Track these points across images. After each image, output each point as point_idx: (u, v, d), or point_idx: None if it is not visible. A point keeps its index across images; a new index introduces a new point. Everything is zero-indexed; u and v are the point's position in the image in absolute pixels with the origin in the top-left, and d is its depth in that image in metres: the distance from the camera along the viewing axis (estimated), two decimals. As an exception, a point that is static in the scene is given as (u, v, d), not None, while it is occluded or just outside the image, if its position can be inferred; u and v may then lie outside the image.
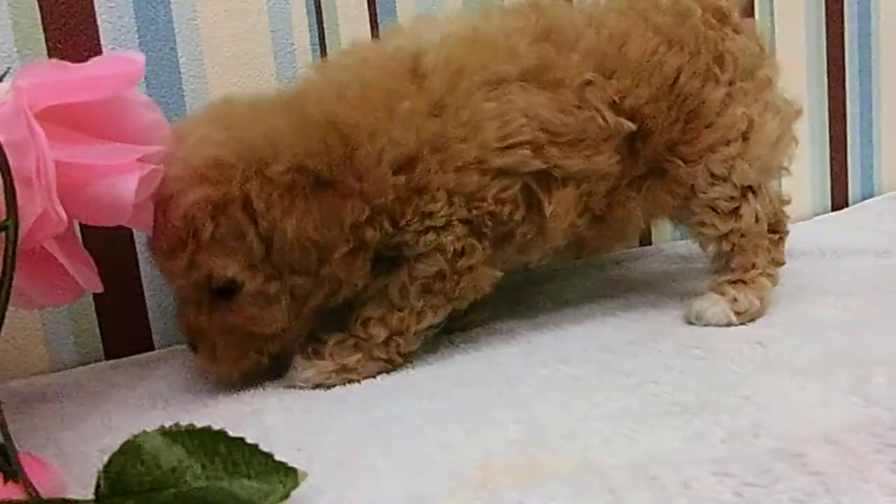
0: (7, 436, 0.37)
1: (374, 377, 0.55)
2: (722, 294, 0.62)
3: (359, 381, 0.54)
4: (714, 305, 0.61)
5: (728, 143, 0.60)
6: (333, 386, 0.54)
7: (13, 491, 0.36)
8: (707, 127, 0.60)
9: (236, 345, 0.52)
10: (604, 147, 0.57)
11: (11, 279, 0.40)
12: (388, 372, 0.56)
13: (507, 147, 0.53)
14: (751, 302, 0.61)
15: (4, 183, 0.42)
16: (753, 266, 0.62)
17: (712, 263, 0.66)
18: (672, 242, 0.89)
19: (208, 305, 0.52)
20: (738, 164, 0.61)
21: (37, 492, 0.36)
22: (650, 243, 0.89)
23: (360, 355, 0.55)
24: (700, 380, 0.50)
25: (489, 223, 0.54)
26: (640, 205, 0.61)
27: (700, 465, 0.37)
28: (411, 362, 0.57)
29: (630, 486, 0.35)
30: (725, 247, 0.63)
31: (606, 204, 0.59)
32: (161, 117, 0.49)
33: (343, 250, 0.51)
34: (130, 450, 0.36)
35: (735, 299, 0.61)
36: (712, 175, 0.61)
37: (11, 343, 0.60)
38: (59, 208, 0.41)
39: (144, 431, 0.37)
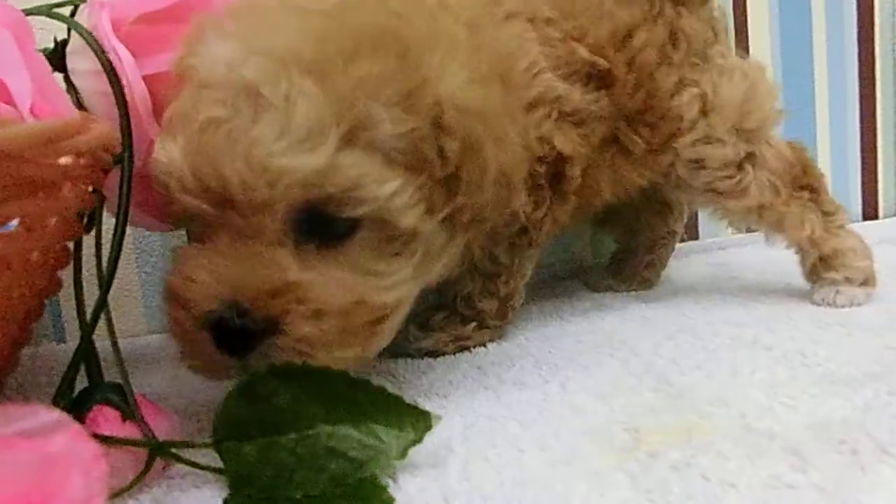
0: (125, 376, 0.35)
1: (485, 346, 0.52)
2: (833, 284, 0.56)
3: (470, 348, 0.51)
4: (839, 295, 0.56)
5: (688, 129, 0.55)
6: (444, 354, 0.51)
7: (130, 431, 0.33)
8: (661, 117, 0.54)
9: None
10: (590, 84, 0.51)
11: (127, 213, 0.39)
12: (499, 337, 0.53)
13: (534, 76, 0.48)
14: (858, 268, 0.56)
15: (120, 114, 0.41)
16: (812, 236, 0.57)
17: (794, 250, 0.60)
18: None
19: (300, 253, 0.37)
20: (711, 142, 0.55)
21: (153, 433, 0.33)
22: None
23: (473, 324, 0.52)
24: (854, 353, 0.45)
25: (539, 170, 0.49)
26: (606, 176, 0.54)
27: (891, 431, 0.32)
28: (525, 335, 0.54)
29: (816, 449, 0.31)
30: (758, 224, 0.58)
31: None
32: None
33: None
34: (244, 392, 0.33)
35: (847, 279, 0.56)
36: (689, 161, 0.55)
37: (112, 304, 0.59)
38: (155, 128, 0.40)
39: (255, 373, 0.33)
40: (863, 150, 0.86)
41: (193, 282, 0.35)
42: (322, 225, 0.36)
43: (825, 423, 0.34)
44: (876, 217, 0.88)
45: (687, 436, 0.34)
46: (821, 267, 0.57)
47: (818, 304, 0.56)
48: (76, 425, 0.20)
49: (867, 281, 0.57)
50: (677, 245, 0.75)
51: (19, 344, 0.38)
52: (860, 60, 0.85)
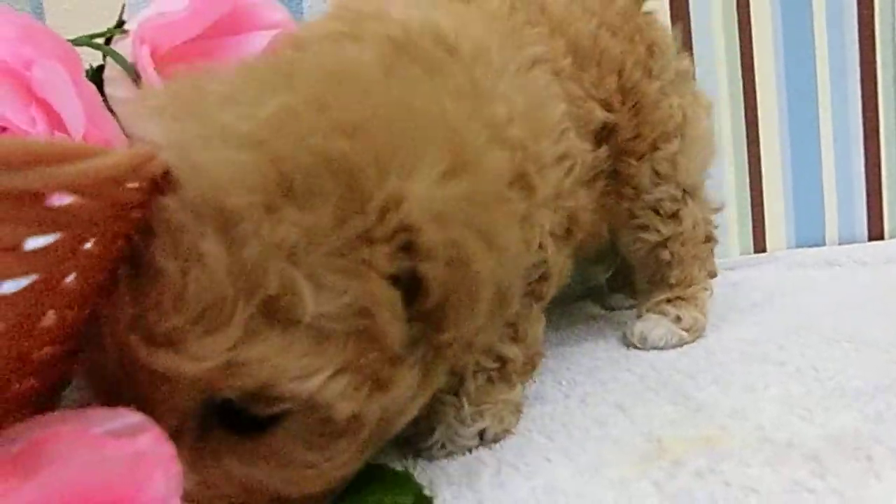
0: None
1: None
2: (663, 314, 0.56)
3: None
4: (657, 327, 0.55)
5: (669, 139, 0.55)
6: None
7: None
8: (648, 122, 0.54)
9: None
10: (598, 140, 0.50)
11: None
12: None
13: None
14: (695, 318, 0.56)
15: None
16: (692, 280, 0.58)
17: (642, 282, 0.60)
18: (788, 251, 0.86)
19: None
20: (680, 162, 0.56)
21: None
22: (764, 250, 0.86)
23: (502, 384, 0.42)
24: (863, 368, 0.46)
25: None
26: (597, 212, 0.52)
27: (902, 440, 0.34)
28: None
29: (833, 456, 0.32)
30: (664, 256, 0.57)
31: None
32: (287, 15, 0.48)
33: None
34: None
35: (678, 317, 0.56)
36: (657, 174, 0.55)
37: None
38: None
39: None
40: (867, 172, 0.88)
41: None
42: (234, 416, 0.28)
43: (840, 433, 0.36)
44: (882, 237, 0.90)
45: (708, 445, 0.36)
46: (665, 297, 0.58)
47: (634, 343, 0.56)
48: (157, 427, 0.22)
49: (694, 331, 0.56)
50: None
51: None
52: (862, 81, 0.87)
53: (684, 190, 0.57)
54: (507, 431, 0.40)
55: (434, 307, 0.29)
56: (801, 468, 0.32)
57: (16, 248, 0.19)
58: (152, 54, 0.46)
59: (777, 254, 0.85)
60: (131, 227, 0.26)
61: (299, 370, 0.27)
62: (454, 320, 0.30)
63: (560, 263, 0.47)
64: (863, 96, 0.86)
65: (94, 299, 0.26)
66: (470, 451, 0.39)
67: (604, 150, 0.50)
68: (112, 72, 0.48)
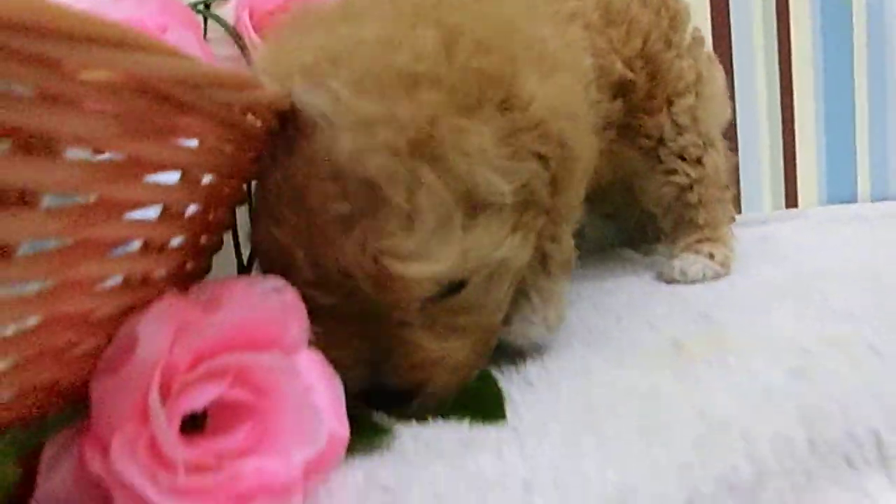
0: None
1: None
2: (697, 252, 0.63)
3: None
4: (695, 263, 0.62)
5: (682, 94, 0.62)
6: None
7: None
8: (661, 84, 0.61)
9: (464, 359, 0.39)
10: (615, 94, 0.56)
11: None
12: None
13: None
14: (725, 255, 0.63)
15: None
16: (718, 222, 0.65)
17: (668, 226, 0.67)
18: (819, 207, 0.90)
19: (425, 320, 0.37)
20: (699, 115, 0.63)
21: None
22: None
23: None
24: (877, 304, 0.51)
25: None
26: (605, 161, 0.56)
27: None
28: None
29: (821, 351, 0.39)
30: (692, 198, 0.64)
31: None
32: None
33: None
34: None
35: (712, 255, 0.63)
36: (678, 125, 0.62)
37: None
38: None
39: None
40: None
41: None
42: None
43: (837, 335, 0.42)
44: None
45: (719, 345, 0.43)
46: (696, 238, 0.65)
47: (675, 277, 0.62)
48: (294, 290, 0.30)
49: (725, 266, 0.63)
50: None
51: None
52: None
53: (704, 141, 0.64)
54: (561, 319, 0.46)
55: (550, 178, 0.39)
56: (799, 358, 0.38)
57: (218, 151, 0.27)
58: (250, 17, 0.54)
59: (808, 211, 0.89)
60: (247, 165, 0.34)
61: (499, 240, 0.36)
62: (563, 189, 0.40)
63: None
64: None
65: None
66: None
67: (618, 104, 0.57)
68: (215, 34, 0.56)
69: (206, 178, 0.30)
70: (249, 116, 0.31)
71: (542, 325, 0.45)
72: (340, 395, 0.31)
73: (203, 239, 0.34)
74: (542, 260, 0.46)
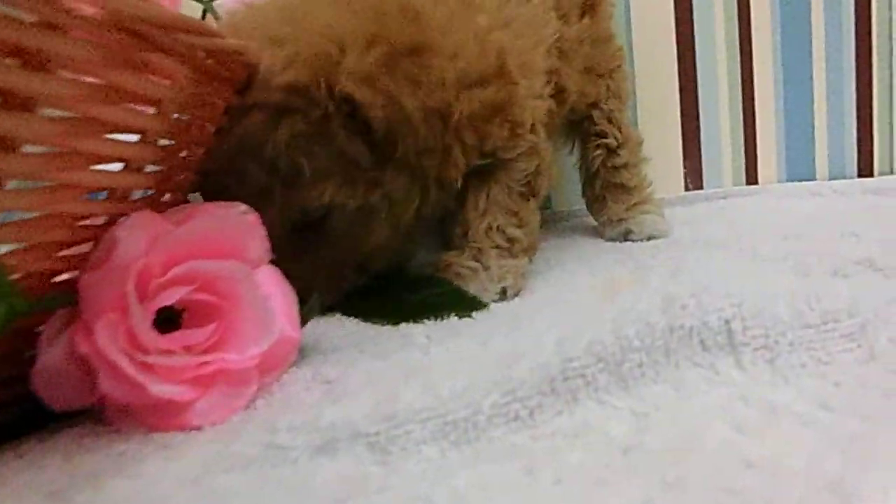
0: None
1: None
2: (646, 213, 0.70)
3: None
4: (653, 221, 0.69)
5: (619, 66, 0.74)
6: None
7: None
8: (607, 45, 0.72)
9: (335, 275, 0.50)
10: (582, 16, 0.67)
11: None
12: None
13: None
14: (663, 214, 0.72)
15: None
16: (644, 182, 0.73)
17: (599, 189, 0.73)
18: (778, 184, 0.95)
19: (293, 249, 0.45)
20: (620, 84, 0.73)
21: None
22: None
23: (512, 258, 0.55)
24: (798, 252, 0.57)
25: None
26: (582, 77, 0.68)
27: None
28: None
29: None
30: (619, 161, 0.72)
31: None
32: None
33: (456, 114, 0.48)
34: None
35: (662, 214, 0.71)
36: (609, 89, 0.72)
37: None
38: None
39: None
40: (858, 110, 0.95)
41: None
42: None
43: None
44: (871, 175, 0.96)
45: (643, 281, 0.48)
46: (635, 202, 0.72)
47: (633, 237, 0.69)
48: (254, 213, 0.36)
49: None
50: (682, 193, 0.87)
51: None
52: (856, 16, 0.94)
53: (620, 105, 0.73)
54: (519, 289, 0.53)
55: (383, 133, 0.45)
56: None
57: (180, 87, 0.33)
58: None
59: (769, 186, 0.94)
60: (218, 111, 0.39)
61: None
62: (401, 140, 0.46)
63: (549, 158, 0.59)
64: (856, 35, 0.93)
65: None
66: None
67: (587, 21, 0.66)
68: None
69: (180, 118, 0.36)
70: (213, 62, 0.36)
71: (496, 295, 0.51)
72: (294, 304, 0.37)
73: (180, 175, 0.39)
74: (507, 241, 0.54)
